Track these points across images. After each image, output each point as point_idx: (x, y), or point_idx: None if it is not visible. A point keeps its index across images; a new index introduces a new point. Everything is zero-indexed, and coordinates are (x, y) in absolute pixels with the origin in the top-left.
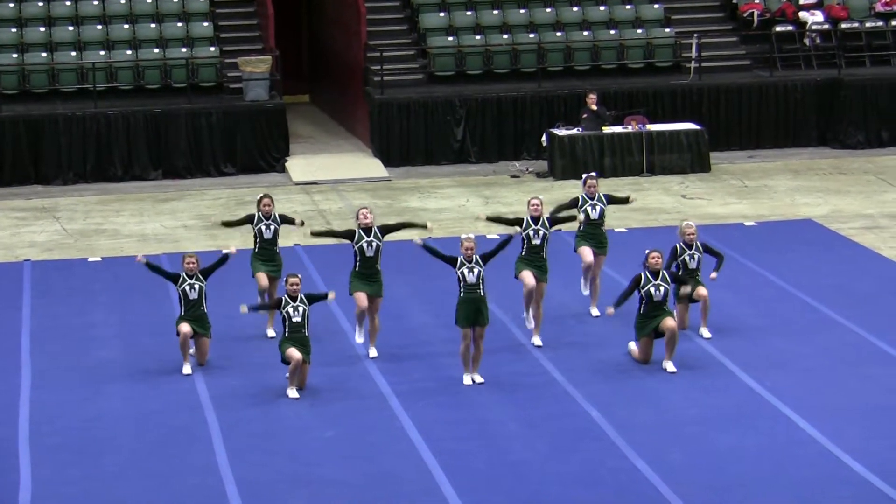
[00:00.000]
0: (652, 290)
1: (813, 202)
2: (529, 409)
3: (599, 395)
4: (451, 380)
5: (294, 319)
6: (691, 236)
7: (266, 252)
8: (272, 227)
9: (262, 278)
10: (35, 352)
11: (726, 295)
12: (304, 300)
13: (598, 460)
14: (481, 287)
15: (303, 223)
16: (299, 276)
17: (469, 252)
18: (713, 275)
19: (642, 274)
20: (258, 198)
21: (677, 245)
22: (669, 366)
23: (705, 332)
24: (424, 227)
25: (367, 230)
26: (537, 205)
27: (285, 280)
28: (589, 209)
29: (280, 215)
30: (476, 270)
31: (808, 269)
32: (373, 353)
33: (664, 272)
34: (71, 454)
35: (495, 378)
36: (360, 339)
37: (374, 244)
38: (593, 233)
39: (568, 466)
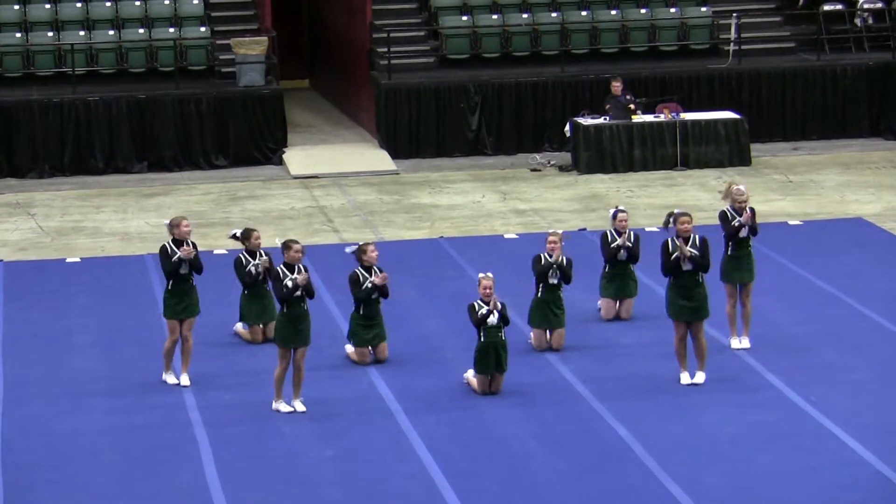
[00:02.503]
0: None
1: (864, 199)
2: (550, 425)
3: (627, 410)
4: (463, 392)
5: (295, 293)
6: (743, 203)
7: (256, 293)
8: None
9: (256, 332)
10: (7, 361)
11: (768, 301)
12: (304, 270)
13: (626, 482)
14: (502, 330)
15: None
16: (300, 242)
17: (489, 298)
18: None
19: (669, 241)
20: (249, 231)
21: (727, 210)
22: (699, 376)
23: (745, 342)
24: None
25: (368, 269)
26: (554, 242)
27: (286, 246)
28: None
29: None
30: (496, 314)
31: (859, 272)
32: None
33: (697, 237)
34: (47, 473)
35: (512, 391)
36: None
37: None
38: (621, 273)
39: (592, 489)
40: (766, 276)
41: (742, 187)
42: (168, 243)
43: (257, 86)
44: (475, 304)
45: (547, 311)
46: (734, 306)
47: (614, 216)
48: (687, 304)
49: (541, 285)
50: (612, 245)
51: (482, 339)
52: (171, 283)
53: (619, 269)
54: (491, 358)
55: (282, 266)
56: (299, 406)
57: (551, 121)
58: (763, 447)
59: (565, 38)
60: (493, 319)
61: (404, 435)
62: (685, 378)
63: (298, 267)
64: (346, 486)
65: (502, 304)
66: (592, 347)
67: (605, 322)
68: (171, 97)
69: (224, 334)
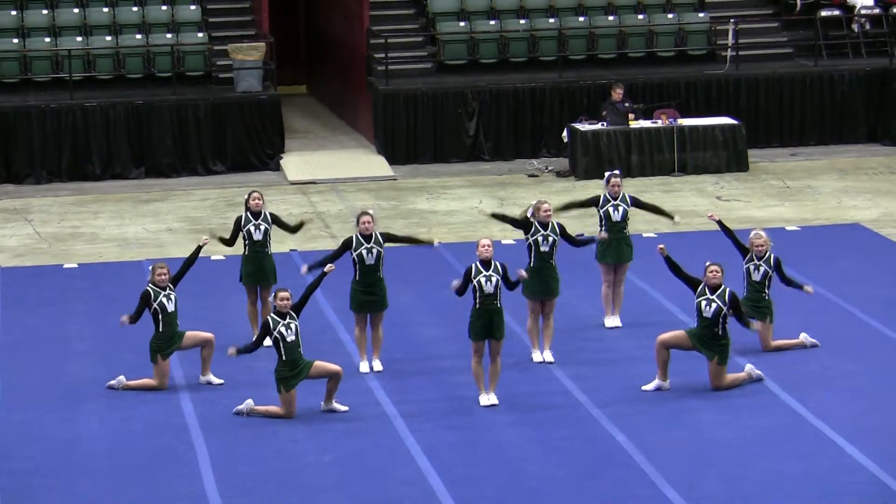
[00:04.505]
0: (703, 303)
1: (862, 205)
2: (548, 431)
3: (626, 416)
4: (461, 399)
5: (289, 339)
6: (760, 248)
7: (255, 255)
8: (262, 227)
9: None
10: (5, 367)
11: None
12: (293, 314)
13: (625, 488)
14: (498, 298)
15: (302, 224)
16: (289, 290)
17: (487, 255)
18: (808, 289)
19: (703, 287)
20: (248, 194)
21: (752, 249)
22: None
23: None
24: (431, 244)
25: (368, 237)
26: (548, 210)
27: (274, 295)
28: (611, 210)
29: (272, 215)
30: (494, 279)
31: (857, 278)
32: (377, 365)
33: (728, 290)
34: (44, 479)
35: (510, 397)
36: (364, 368)
37: (374, 251)
38: (615, 237)
39: (590, 495)
40: None
41: (761, 232)
42: (150, 287)
43: (255, 91)
44: (472, 266)
45: (539, 279)
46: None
47: (607, 181)
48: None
49: (532, 253)
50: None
51: (477, 306)
52: (161, 324)
53: (614, 233)
54: (484, 324)
55: (271, 316)
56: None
57: (549, 126)
58: (761, 452)
59: (563, 44)
60: (489, 287)
61: (402, 441)
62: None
63: (290, 314)
64: (344, 492)
65: (503, 266)
66: (590, 353)
67: (602, 328)
68: (168, 103)
69: (219, 338)
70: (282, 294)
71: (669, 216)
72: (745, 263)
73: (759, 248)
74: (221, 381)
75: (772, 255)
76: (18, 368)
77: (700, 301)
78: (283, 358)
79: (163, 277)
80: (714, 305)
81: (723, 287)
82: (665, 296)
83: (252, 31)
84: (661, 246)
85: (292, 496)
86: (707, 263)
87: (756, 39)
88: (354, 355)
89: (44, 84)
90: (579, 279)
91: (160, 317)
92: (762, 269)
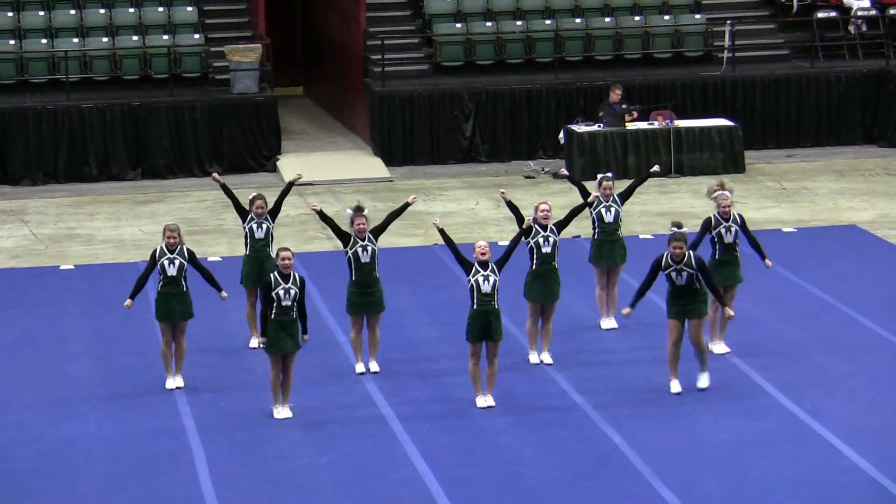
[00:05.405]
0: (673, 274)
1: (858, 206)
2: (545, 432)
3: (622, 417)
4: (458, 400)
5: (284, 303)
6: (727, 208)
7: (257, 256)
8: (265, 226)
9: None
10: (2, 368)
11: (763, 308)
12: (297, 281)
13: (622, 489)
14: (495, 298)
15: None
16: (291, 250)
17: (484, 258)
18: (768, 262)
19: (663, 257)
20: (250, 198)
21: (712, 216)
22: (703, 380)
23: (720, 348)
24: (408, 204)
25: (362, 236)
26: (546, 210)
27: (276, 254)
28: (603, 211)
29: (270, 212)
30: (492, 279)
31: (853, 279)
32: (374, 366)
33: (691, 254)
34: (41, 481)
35: (507, 399)
36: (360, 369)
37: (369, 248)
38: (608, 239)
39: (588, 496)
40: (760, 283)
41: (726, 192)
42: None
43: (251, 93)
44: (473, 265)
45: (542, 283)
46: (716, 310)
47: (599, 184)
48: (681, 315)
49: (533, 255)
50: (593, 210)
51: (474, 307)
52: (160, 284)
53: (607, 235)
54: (482, 326)
55: (274, 275)
56: (281, 413)
57: (545, 128)
58: (758, 454)
59: (559, 46)
60: (486, 287)
61: (399, 442)
62: (675, 386)
63: (293, 276)
64: (341, 494)
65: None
66: (587, 354)
67: (598, 329)
68: (164, 104)
69: (217, 340)
70: (283, 253)
71: (650, 174)
72: (715, 228)
73: (727, 209)
74: (181, 385)
75: (735, 214)
76: (15, 369)
77: (670, 273)
78: (272, 317)
79: (172, 241)
80: (685, 273)
81: (686, 255)
82: (660, 296)
83: (249, 32)
84: (626, 311)
85: (290, 497)
86: (672, 230)
87: (752, 41)
88: (351, 357)
89: (40, 85)
90: (576, 281)
91: (160, 277)
92: (733, 229)
